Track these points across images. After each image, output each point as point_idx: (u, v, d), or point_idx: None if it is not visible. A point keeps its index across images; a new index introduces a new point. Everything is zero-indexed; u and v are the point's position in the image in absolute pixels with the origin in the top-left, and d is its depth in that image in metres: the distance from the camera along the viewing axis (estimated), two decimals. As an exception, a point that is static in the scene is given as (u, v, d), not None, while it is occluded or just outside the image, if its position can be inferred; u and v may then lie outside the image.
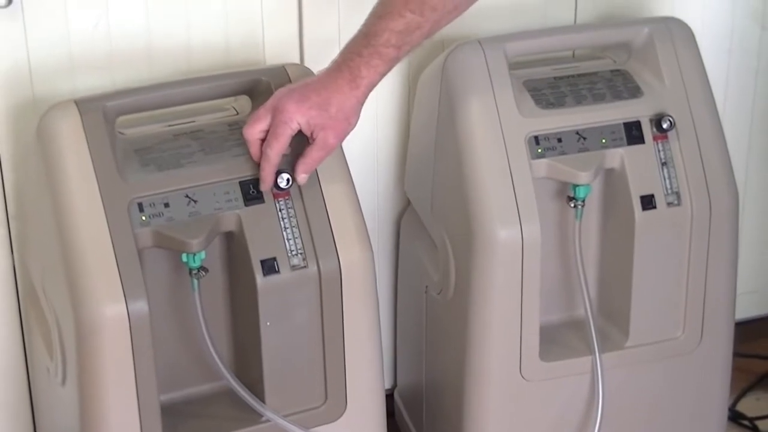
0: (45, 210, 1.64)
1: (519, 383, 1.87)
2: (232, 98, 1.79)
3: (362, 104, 1.65)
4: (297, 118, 1.62)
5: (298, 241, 1.68)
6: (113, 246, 1.59)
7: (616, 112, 1.86)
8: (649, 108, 1.87)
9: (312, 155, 1.65)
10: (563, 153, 1.83)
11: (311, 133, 1.63)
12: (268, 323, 1.68)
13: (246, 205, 1.67)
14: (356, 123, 1.65)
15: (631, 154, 1.85)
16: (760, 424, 2.29)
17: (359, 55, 1.62)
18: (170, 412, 1.70)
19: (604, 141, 1.84)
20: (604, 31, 1.96)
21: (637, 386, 1.94)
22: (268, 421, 1.70)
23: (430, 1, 1.61)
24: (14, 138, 1.81)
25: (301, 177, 1.66)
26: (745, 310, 2.28)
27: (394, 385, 2.23)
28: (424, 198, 1.96)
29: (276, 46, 1.91)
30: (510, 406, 1.89)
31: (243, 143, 1.67)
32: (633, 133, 1.85)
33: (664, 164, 1.86)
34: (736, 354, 2.02)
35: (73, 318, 1.60)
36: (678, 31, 1.90)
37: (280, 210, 1.68)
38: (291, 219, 1.68)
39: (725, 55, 2.16)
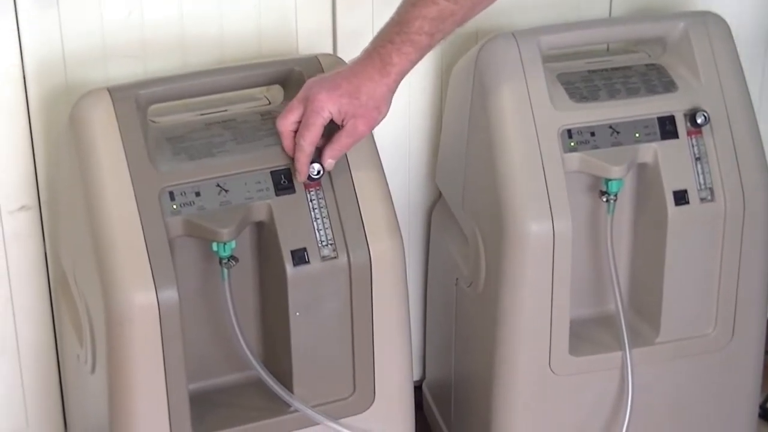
0: (77, 197, 1.65)
1: (548, 377, 1.87)
2: (264, 88, 1.79)
3: (393, 92, 1.64)
4: (328, 106, 1.61)
5: (329, 231, 1.67)
6: (144, 234, 1.60)
7: (650, 107, 1.85)
8: (683, 103, 1.85)
9: (340, 141, 1.64)
10: (596, 147, 1.82)
11: (342, 121, 1.63)
12: (298, 314, 1.68)
13: (277, 195, 1.66)
14: (387, 112, 1.65)
15: (665, 148, 1.84)
16: (790, 422, 2.28)
17: (391, 42, 1.62)
18: (198, 401, 1.70)
19: (637, 135, 1.83)
20: (639, 25, 1.94)
21: (667, 382, 1.93)
22: (296, 411, 1.70)
23: None
24: (47, 125, 1.82)
25: (328, 163, 1.65)
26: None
27: (423, 378, 2.23)
28: (456, 190, 1.96)
29: (309, 36, 1.91)
30: (538, 400, 1.89)
31: (275, 133, 1.67)
32: (667, 127, 1.84)
33: (697, 159, 1.85)
34: (767, 352, 2.00)
35: (103, 305, 1.61)
36: (714, 25, 1.89)
37: (311, 200, 1.68)
38: (322, 209, 1.68)
39: (762, 50, 2.15)
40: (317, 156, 1.65)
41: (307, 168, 1.64)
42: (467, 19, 1.64)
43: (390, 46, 1.61)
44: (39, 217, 1.86)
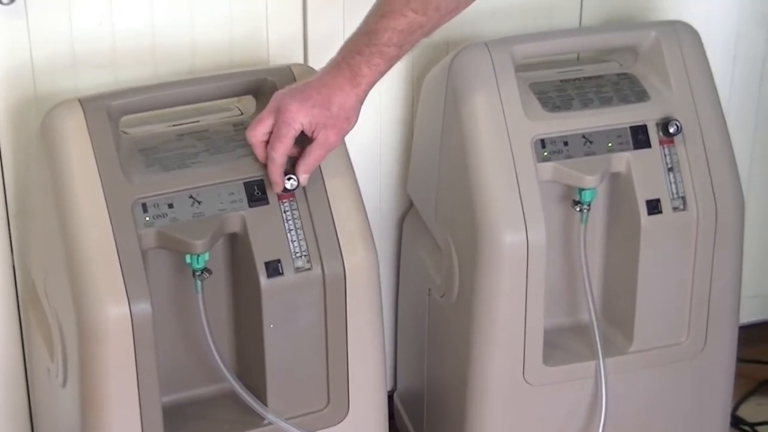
0: (47, 209, 1.63)
1: (522, 387, 1.86)
2: (236, 98, 1.78)
3: (362, 103, 1.64)
4: (300, 118, 1.61)
5: (303, 243, 1.67)
6: (116, 246, 1.58)
7: (622, 116, 1.85)
8: (655, 112, 1.86)
9: (312, 154, 1.64)
10: (569, 156, 1.82)
11: (312, 132, 1.62)
12: (272, 325, 1.67)
13: (250, 207, 1.66)
14: (356, 122, 1.65)
15: (638, 158, 1.84)
16: (760, 429, 2.29)
17: (360, 54, 1.61)
18: (172, 414, 1.69)
19: (610, 145, 1.84)
20: (612, 35, 1.95)
21: (641, 391, 1.93)
22: (270, 424, 1.70)
23: (434, 0, 1.60)
24: (15, 136, 1.80)
25: (303, 177, 1.65)
26: (746, 315, 2.26)
27: (395, 388, 2.22)
28: (428, 200, 1.95)
29: (280, 46, 1.90)
30: (513, 410, 1.88)
31: (248, 144, 1.66)
32: (639, 137, 1.85)
33: (670, 169, 1.85)
34: (737, 359, 2.01)
35: (75, 318, 1.59)
36: (685, 35, 1.90)
37: (285, 212, 1.67)
38: (295, 221, 1.67)
39: (730, 59, 2.16)
40: (290, 166, 1.64)
41: (282, 179, 1.63)
42: (434, 30, 1.65)
43: (359, 58, 1.61)
44: (7, 229, 1.84)
